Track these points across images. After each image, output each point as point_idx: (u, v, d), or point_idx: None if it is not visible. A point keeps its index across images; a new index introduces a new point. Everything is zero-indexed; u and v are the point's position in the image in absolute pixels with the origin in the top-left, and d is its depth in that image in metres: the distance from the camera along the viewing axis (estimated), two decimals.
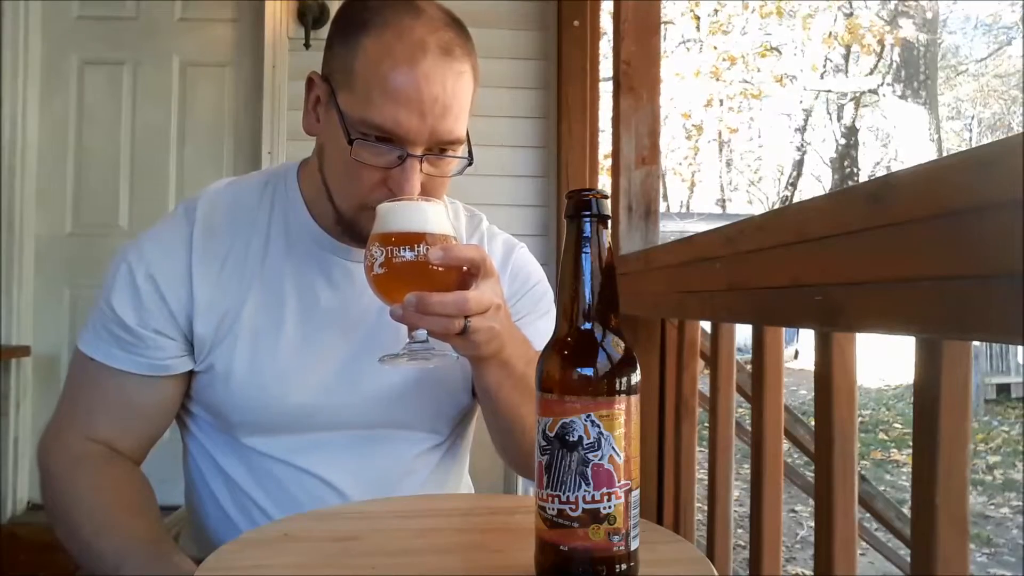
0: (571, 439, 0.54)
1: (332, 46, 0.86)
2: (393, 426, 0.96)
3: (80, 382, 0.92)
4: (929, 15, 10.34)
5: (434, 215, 0.77)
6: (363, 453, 0.94)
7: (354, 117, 0.81)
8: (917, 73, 10.28)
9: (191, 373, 0.92)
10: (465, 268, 0.77)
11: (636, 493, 0.55)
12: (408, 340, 0.77)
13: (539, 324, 0.99)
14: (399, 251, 0.74)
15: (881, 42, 10.40)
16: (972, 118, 17.09)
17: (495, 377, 0.84)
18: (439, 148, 0.83)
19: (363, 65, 0.80)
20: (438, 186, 0.86)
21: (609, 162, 1.85)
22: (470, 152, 0.87)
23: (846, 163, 14.01)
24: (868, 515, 2.56)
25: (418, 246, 0.74)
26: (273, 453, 0.92)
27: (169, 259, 0.89)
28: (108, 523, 0.82)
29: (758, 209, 15.98)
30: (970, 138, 16.66)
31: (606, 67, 2.93)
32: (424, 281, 0.73)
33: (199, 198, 0.93)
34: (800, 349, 10.82)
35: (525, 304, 1.01)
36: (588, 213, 0.57)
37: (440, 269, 0.74)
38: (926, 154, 9.76)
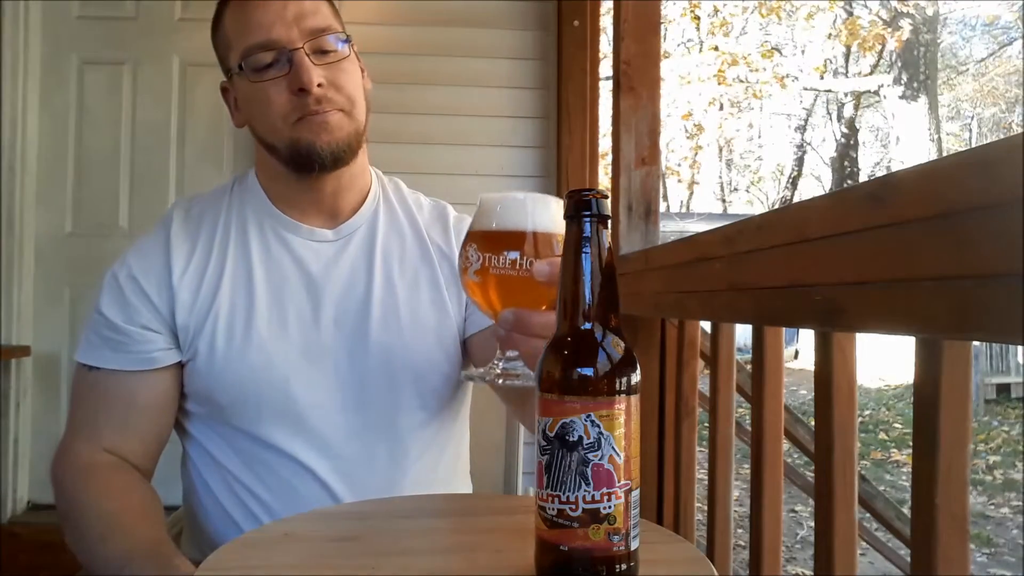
0: (571, 439, 0.54)
1: (216, 48, 0.98)
2: (378, 401, 0.98)
3: (81, 394, 0.97)
4: (929, 13, 10.33)
5: (540, 208, 0.70)
6: (355, 437, 0.97)
7: (241, 60, 0.91)
8: (917, 73, 10.27)
9: (181, 368, 0.97)
10: None
11: (636, 493, 0.55)
12: (498, 357, 0.70)
13: None
14: (497, 259, 0.67)
15: (882, 42, 10.40)
16: (972, 118, 17.08)
17: None
18: (318, 40, 0.92)
19: (228, 25, 0.95)
20: (341, 73, 0.93)
21: (609, 161, 1.85)
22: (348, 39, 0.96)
23: (846, 163, 14.01)
24: (868, 515, 2.56)
25: (522, 257, 0.67)
26: (263, 436, 0.95)
27: (149, 261, 0.97)
28: (113, 527, 0.84)
29: (758, 209, 15.97)
30: (970, 138, 16.64)
31: (606, 67, 2.93)
32: (524, 294, 0.67)
33: (174, 207, 1.03)
34: (800, 349, 10.82)
35: None
36: (588, 213, 0.57)
37: (543, 281, 0.66)
38: (926, 154, 9.75)
